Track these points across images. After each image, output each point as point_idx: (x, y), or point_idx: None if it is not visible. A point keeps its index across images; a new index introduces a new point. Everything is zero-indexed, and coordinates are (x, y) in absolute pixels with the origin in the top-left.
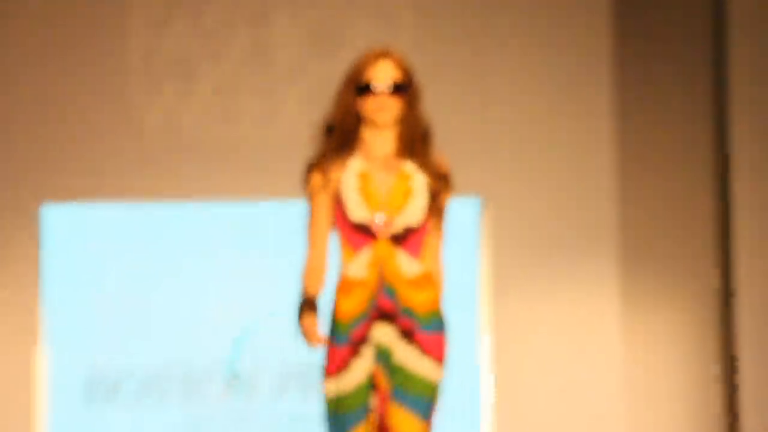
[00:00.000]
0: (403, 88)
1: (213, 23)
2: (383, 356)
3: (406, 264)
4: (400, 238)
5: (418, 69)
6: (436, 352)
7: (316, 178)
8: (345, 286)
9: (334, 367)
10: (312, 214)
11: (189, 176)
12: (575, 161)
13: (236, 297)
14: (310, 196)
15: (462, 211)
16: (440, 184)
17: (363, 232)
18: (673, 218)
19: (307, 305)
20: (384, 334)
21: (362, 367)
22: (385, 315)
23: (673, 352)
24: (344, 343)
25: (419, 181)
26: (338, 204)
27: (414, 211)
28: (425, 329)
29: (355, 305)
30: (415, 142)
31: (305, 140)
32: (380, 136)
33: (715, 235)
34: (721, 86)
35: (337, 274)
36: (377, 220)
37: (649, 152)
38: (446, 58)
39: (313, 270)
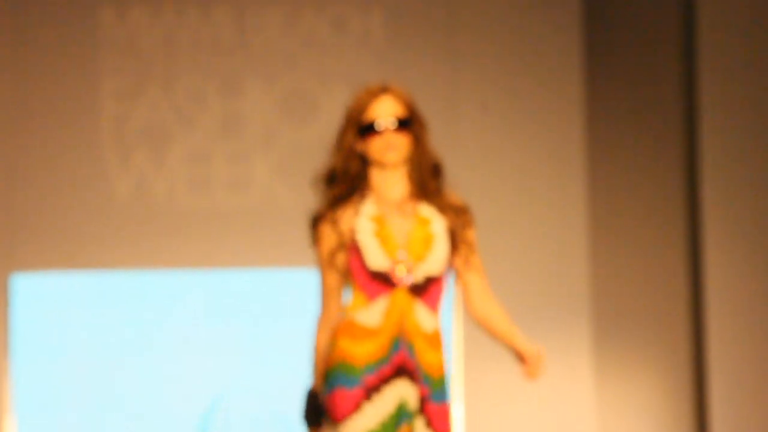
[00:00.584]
0: (408, 123)
1: (185, 91)
2: (407, 417)
3: (424, 318)
4: (420, 289)
5: None
6: (442, 427)
7: (325, 229)
8: (354, 331)
9: (345, 410)
10: (323, 271)
11: (160, 245)
12: (547, 232)
13: (208, 368)
14: (320, 251)
15: None
16: (462, 220)
17: (380, 281)
18: (645, 286)
19: (318, 405)
20: (409, 395)
21: (375, 413)
22: (406, 372)
23: (646, 420)
24: (356, 386)
25: (439, 226)
26: (353, 253)
27: (437, 260)
28: (435, 399)
29: (369, 352)
30: (427, 179)
31: (278, 208)
32: (390, 177)
33: (688, 304)
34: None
35: (341, 317)
36: (398, 272)
37: (622, 222)
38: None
39: (325, 331)
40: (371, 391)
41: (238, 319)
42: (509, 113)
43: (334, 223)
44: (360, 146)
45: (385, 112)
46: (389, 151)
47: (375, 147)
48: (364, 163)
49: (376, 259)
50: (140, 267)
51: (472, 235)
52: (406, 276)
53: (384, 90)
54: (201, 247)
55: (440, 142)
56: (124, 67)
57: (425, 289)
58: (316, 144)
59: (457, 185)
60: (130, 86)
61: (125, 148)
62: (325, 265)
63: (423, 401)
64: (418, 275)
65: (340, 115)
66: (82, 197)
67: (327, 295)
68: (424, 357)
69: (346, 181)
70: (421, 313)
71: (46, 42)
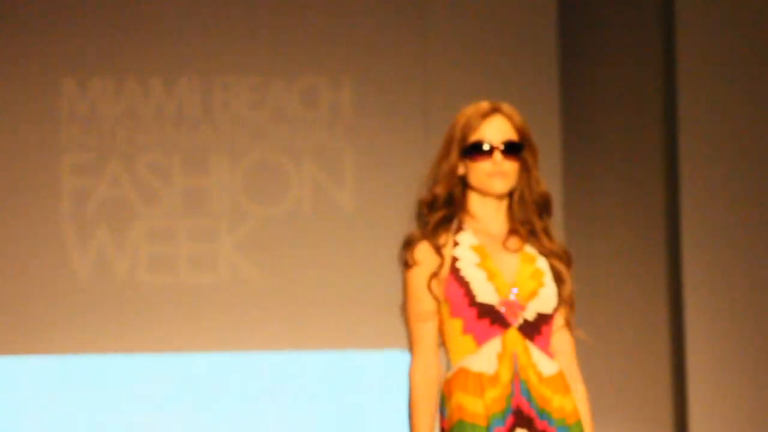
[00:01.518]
0: (520, 149)
1: (148, 166)
2: None
3: (541, 360)
4: (532, 328)
5: (361, 207)
6: None
7: (425, 251)
8: (470, 382)
9: None
10: (420, 299)
11: (121, 327)
12: None
13: None
14: (417, 274)
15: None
16: (565, 267)
17: (489, 318)
18: (622, 295)
19: None
20: None
21: None
22: (524, 419)
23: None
24: None
25: (544, 265)
26: (453, 286)
27: (549, 296)
28: None
29: (489, 405)
30: (532, 215)
31: (244, 287)
32: (491, 206)
33: (666, 312)
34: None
35: (449, 367)
36: (508, 301)
37: (597, 229)
38: (388, 190)
39: (427, 381)
40: None
41: (202, 405)
42: None
43: (437, 248)
44: (462, 169)
45: (494, 134)
46: (497, 178)
47: (480, 172)
48: (465, 188)
49: (485, 292)
50: (99, 350)
51: (571, 288)
52: (518, 309)
53: (495, 109)
54: (163, 329)
55: (411, 208)
56: (85, 141)
57: (537, 329)
58: (284, 220)
59: None
60: (91, 160)
61: (85, 225)
62: (423, 290)
63: None
64: (532, 312)
65: (439, 141)
66: (40, 276)
67: (424, 334)
68: (544, 400)
69: (447, 207)
70: (536, 355)
71: (4, 113)
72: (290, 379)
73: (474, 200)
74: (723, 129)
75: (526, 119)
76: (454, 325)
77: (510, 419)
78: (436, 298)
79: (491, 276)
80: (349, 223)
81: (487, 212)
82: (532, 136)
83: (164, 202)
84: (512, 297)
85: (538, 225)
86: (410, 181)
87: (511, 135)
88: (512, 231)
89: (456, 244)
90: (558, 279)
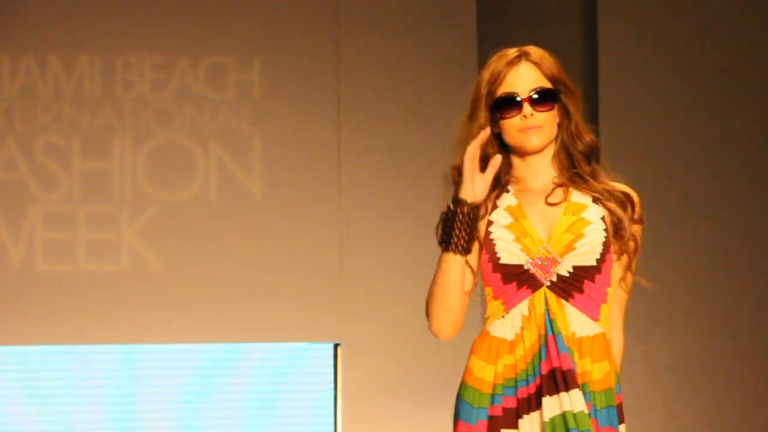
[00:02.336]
0: (553, 96)
1: (45, 148)
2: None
3: (576, 320)
4: (569, 285)
5: (271, 193)
6: None
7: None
8: (487, 347)
9: None
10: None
11: (16, 318)
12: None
13: None
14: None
15: (317, 356)
16: (622, 209)
17: (516, 281)
18: None
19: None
20: (566, 405)
21: None
22: (561, 383)
23: None
24: (480, 419)
25: (595, 213)
26: (483, 252)
27: (590, 246)
28: (598, 417)
29: (500, 372)
30: (579, 161)
31: (147, 275)
32: (533, 162)
33: None
34: None
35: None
36: (540, 259)
37: None
38: (299, 176)
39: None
40: (510, 415)
41: (99, 398)
42: (398, 170)
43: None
44: (496, 127)
45: (521, 83)
46: (530, 133)
47: (511, 129)
48: (501, 146)
49: (509, 254)
50: None
51: (637, 231)
52: (546, 266)
53: (520, 56)
54: (61, 320)
55: (325, 200)
56: None
57: (577, 285)
58: (190, 207)
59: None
60: None
61: None
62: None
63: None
64: (565, 267)
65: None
66: None
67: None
68: (582, 367)
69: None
70: (570, 314)
71: None
72: (192, 372)
73: (514, 159)
74: (642, 92)
75: (445, 101)
76: (488, 293)
77: (533, 388)
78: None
79: (522, 235)
80: (257, 210)
81: (528, 169)
82: (568, 80)
83: (62, 186)
84: (544, 254)
85: (586, 170)
86: (322, 162)
87: (540, 82)
88: (558, 184)
89: (495, 207)
90: (617, 224)
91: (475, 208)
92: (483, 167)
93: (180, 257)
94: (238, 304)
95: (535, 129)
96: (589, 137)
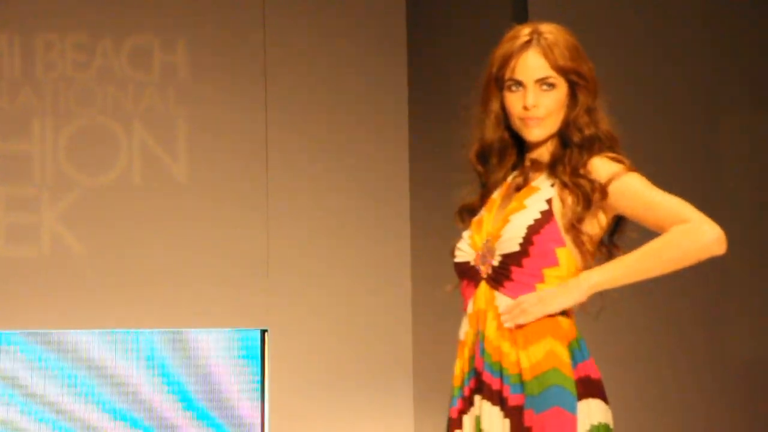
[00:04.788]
0: (558, 87)
1: None
2: None
3: (501, 306)
4: (500, 275)
5: (195, 177)
6: None
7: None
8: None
9: None
10: None
11: None
12: (370, 297)
13: None
14: None
15: (244, 342)
16: (581, 206)
17: (466, 279)
18: None
19: None
20: (487, 417)
21: None
22: (480, 380)
23: None
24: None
25: (541, 196)
26: None
27: (512, 231)
28: (532, 405)
29: (458, 373)
30: (572, 151)
31: (69, 260)
32: (538, 152)
33: None
34: None
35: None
36: (481, 253)
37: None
38: (224, 159)
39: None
40: (457, 417)
41: (16, 383)
42: (326, 154)
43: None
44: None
45: (525, 71)
46: (530, 124)
47: (513, 117)
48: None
49: (460, 252)
50: None
51: (570, 213)
52: (490, 258)
53: (529, 42)
54: None
55: (252, 185)
56: None
57: (505, 273)
58: (112, 190)
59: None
60: None
61: None
62: None
63: (519, 414)
64: (497, 257)
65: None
66: None
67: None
68: (509, 357)
69: (503, 155)
70: (501, 304)
71: None
72: (116, 358)
73: (525, 144)
74: None
75: (377, 80)
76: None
77: (472, 382)
78: None
79: (476, 230)
80: (182, 194)
81: (534, 155)
82: (583, 66)
83: None
84: (485, 246)
85: (578, 159)
86: (249, 146)
87: (545, 72)
88: (530, 167)
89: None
90: (570, 216)
91: None
92: (489, 153)
93: (103, 242)
94: (164, 290)
95: (535, 120)
96: (589, 130)
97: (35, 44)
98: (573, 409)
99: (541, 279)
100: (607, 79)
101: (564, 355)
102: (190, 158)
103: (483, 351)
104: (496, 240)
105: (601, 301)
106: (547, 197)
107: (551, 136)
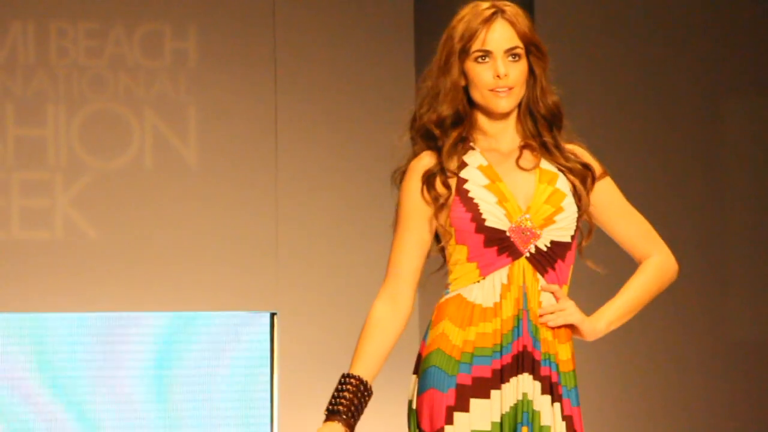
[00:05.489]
0: (523, 57)
1: None
2: (528, 418)
3: (545, 298)
4: (545, 260)
5: (206, 161)
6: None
7: (413, 182)
8: (461, 311)
9: (437, 421)
10: (402, 231)
11: None
12: (377, 279)
13: None
14: (403, 205)
15: (254, 325)
16: (583, 185)
17: (497, 246)
18: None
19: (339, 401)
20: (527, 387)
21: (486, 414)
22: (530, 362)
23: None
24: (451, 388)
25: (566, 185)
26: (459, 210)
27: (567, 222)
28: (570, 397)
29: (473, 340)
30: (542, 127)
31: (81, 245)
32: (499, 122)
33: None
34: None
35: (442, 295)
36: (520, 228)
37: None
38: (234, 144)
39: (385, 305)
40: (473, 390)
41: (34, 365)
42: (335, 139)
43: (434, 174)
44: (464, 82)
45: (496, 42)
46: (501, 94)
47: (482, 87)
48: (469, 102)
49: (494, 216)
50: None
51: (586, 205)
52: (532, 238)
53: (495, 13)
54: None
55: (261, 169)
56: None
57: (551, 261)
58: (124, 175)
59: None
60: None
61: None
62: (407, 223)
63: (555, 390)
64: (544, 241)
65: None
66: None
67: (398, 264)
68: (554, 346)
69: (455, 127)
70: (543, 293)
71: None
72: (127, 341)
73: (479, 116)
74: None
75: (381, 70)
76: (460, 252)
77: (508, 359)
78: (427, 234)
79: (503, 199)
80: (193, 178)
81: (495, 128)
82: (539, 40)
83: None
84: (525, 223)
85: (549, 139)
86: (258, 133)
87: (514, 42)
88: (525, 146)
89: (464, 165)
90: (578, 201)
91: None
92: (453, 124)
93: (115, 225)
94: (174, 273)
95: (506, 91)
96: (551, 99)
97: (49, 31)
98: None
99: (566, 279)
100: (608, 65)
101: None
102: (201, 143)
103: (532, 329)
104: (549, 224)
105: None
106: (570, 188)
107: (514, 108)
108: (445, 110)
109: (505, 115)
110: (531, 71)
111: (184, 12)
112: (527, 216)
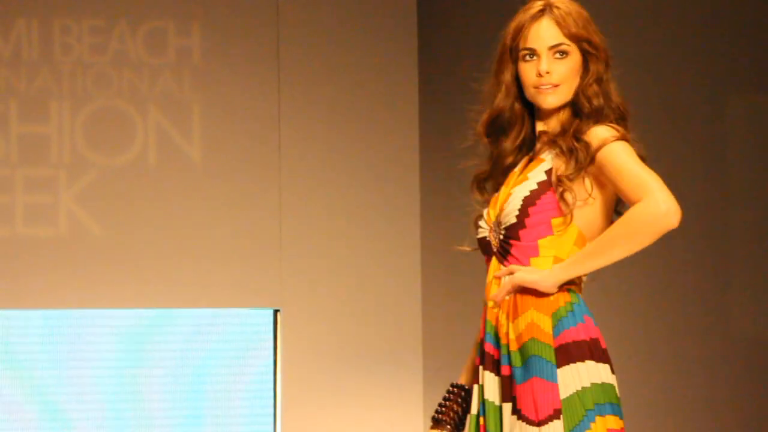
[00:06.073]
0: (571, 55)
1: None
2: (483, 409)
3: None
4: (504, 249)
5: (210, 158)
6: (528, 406)
7: (473, 192)
8: None
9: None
10: None
11: None
12: (380, 276)
13: None
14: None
15: (257, 322)
16: (570, 163)
17: (486, 254)
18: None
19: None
20: (489, 385)
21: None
22: (489, 360)
23: None
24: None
25: (543, 166)
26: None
27: (512, 206)
28: (516, 377)
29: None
30: (581, 120)
31: (85, 242)
32: (552, 120)
33: None
34: None
35: None
36: (491, 226)
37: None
38: (238, 141)
39: None
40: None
41: (38, 363)
42: (338, 136)
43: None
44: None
45: (539, 40)
46: (544, 91)
47: (528, 86)
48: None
49: (480, 227)
50: None
51: (605, 157)
52: (494, 233)
53: (542, 11)
54: None
55: (265, 167)
56: None
57: (507, 246)
58: (128, 171)
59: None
60: None
61: None
62: None
63: (509, 383)
64: (499, 230)
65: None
66: None
67: None
68: (503, 328)
69: (512, 126)
70: (505, 279)
71: None
72: (130, 338)
73: (536, 114)
74: None
75: (385, 67)
76: None
77: (480, 355)
78: None
79: (491, 205)
80: (197, 175)
81: (548, 126)
82: (593, 36)
83: (0, 149)
84: (494, 220)
85: (572, 126)
86: (261, 129)
87: (558, 39)
88: (545, 141)
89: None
90: (560, 178)
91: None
92: (499, 123)
93: (119, 222)
94: (177, 269)
95: (550, 88)
96: (598, 101)
97: (53, 28)
98: (552, 377)
99: (535, 252)
100: (610, 63)
101: (546, 324)
102: (205, 140)
103: (486, 321)
104: (501, 213)
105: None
106: (547, 168)
107: (564, 106)
108: (498, 107)
109: (553, 111)
110: (586, 68)
111: (187, 9)
112: (498, 213)
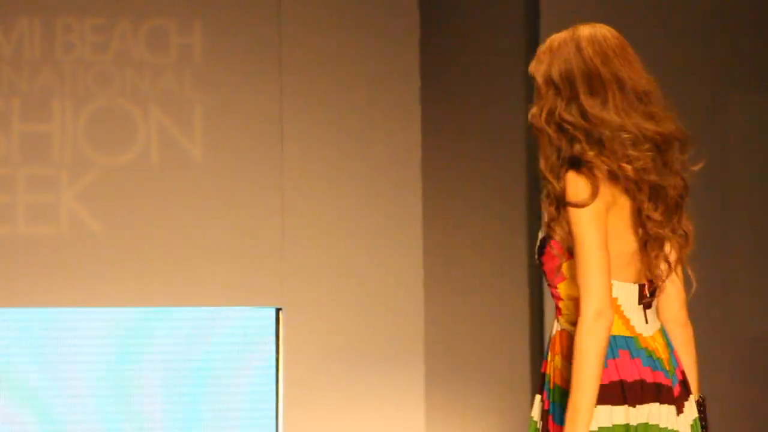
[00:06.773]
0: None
1: None
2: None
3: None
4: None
5: (211, 157)
6: None
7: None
8: None
9: None
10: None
11: None
12: (383, 275)
13: None
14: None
15: (259, 321)
16: (551, 210)
17: None
18: (479, 329)
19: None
20: (535, 408)
21: None
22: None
23: None
24: None
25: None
26: None
27: (536, 254)
28: (555, 417)
29: None
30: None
31: (86, 241)
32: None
33: (528, 341)
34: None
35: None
36: None
37: (458, 262)
38: (240, 141)
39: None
40: None
41: (38, 362)
42: (340, 134)
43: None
44: None
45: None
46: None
47: None
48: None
49: None
50: None
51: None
52: None
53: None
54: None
55: (267, 165)
56: None
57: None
58: (130, 170)
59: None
60: None
61: None
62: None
63: (545, 416)
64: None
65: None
66: None
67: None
68: (551, 364)
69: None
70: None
71: None
72: (131, 335)
73: None
74: None
75: (387, 66)
76: None
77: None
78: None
79: None
80: (198, 174)
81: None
82: (539, 69)
83: (1, 148)
84: None
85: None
86: (264, 127)
87: (534, 69)
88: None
89: None
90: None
91: None
92: None
93: (120, 220)
94: (179, 268)
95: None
96: (558, 142)
97: (55, 27)
98: (561, 422)
99: (560, 296)
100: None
101: (566, 370)
102: (206, 139)
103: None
104: None
105: None
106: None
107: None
108: None
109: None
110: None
111: (189, 8)
112: None
